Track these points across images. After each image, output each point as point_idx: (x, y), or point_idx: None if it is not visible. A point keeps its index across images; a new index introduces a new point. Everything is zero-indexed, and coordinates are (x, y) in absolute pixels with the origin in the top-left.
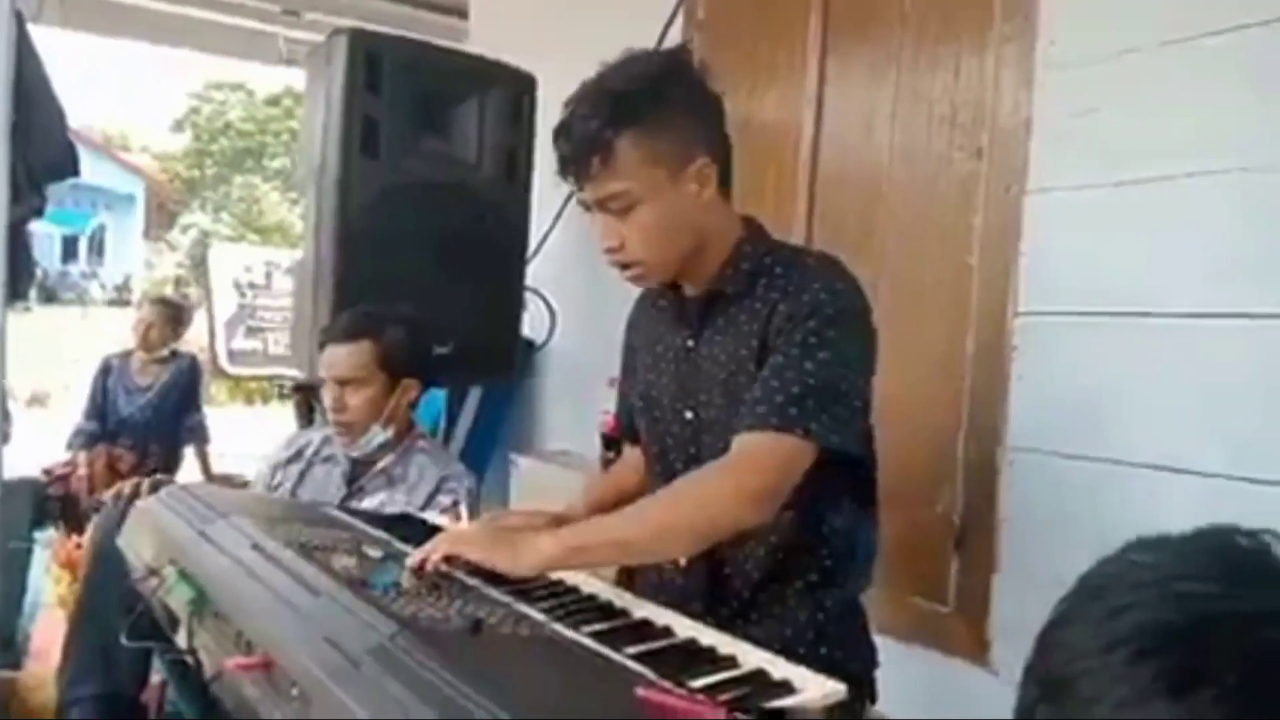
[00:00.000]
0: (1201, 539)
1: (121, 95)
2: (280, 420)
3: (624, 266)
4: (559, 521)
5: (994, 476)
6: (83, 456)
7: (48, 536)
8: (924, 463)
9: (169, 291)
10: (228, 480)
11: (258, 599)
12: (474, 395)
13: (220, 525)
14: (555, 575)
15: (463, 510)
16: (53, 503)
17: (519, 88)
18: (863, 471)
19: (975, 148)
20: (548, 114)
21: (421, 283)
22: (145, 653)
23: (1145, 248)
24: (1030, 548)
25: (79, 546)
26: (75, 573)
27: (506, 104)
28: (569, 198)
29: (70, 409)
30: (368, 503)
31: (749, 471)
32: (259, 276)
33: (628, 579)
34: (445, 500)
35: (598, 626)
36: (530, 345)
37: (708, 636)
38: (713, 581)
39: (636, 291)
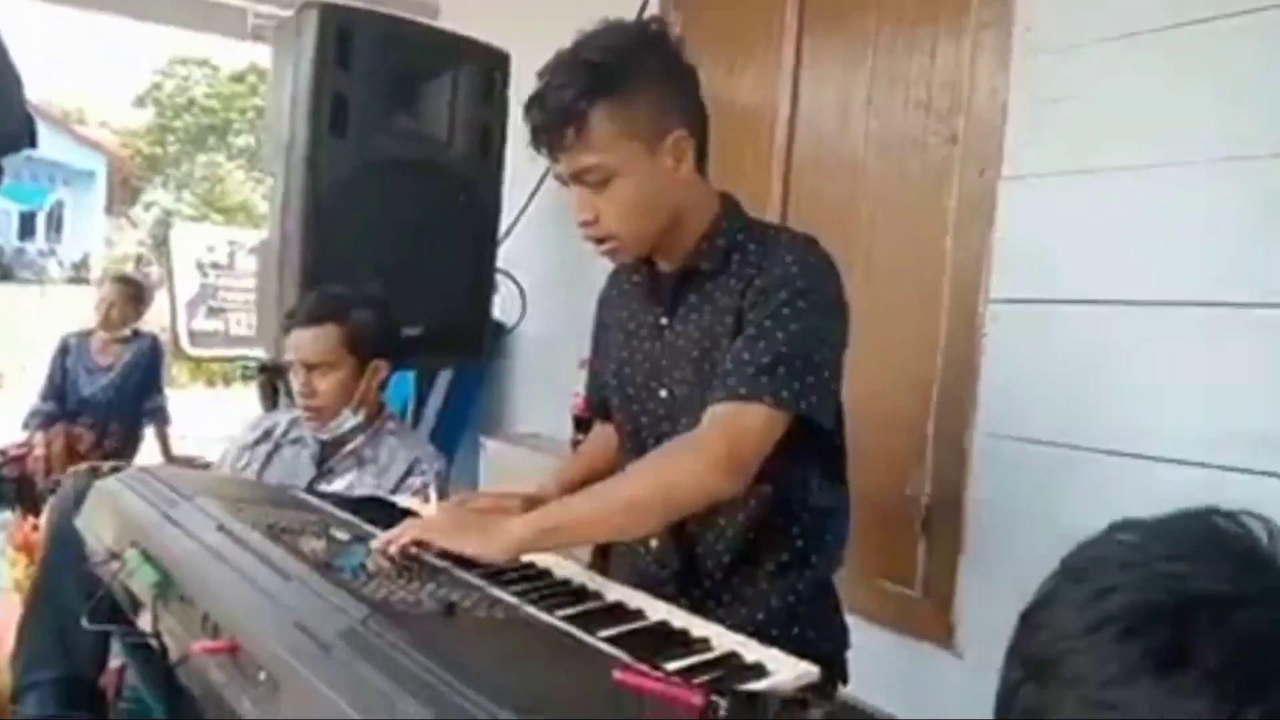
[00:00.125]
0: (1185, 521)
1: (79, 69)
2: (243, 402)
3: (599, 241)
4: (530, 503)
5: (963, 461)
6: (40, 437)
7: (3, 519)
8: (894, 446)
9: (129, 270)
10: (189, 463)
11: (224, 582)
12: (443, 377)
13: (185, 507)
14: (527, 558)
15: (432, 493)
16: (8, 484)
17: (491, 64)
18: (833, 447)
19: (950, 133)
20: (520, 92)
21: (391, 263)
22: (104, 636)
23: (1117, 235)
24: (997, 532)
25: (35, 529)
26: (31, 555)
27: (479, 81)
28: (542, 178)
29: (27, 389)
30: (337, 485)
31: (719, 440)
32: (222, 256)
33: (601, 562)
34: (416, 483)
35: (571, 610)
36: (500, 327)
37: (680, 619)
38: (685, 563)
39: (608, 275)
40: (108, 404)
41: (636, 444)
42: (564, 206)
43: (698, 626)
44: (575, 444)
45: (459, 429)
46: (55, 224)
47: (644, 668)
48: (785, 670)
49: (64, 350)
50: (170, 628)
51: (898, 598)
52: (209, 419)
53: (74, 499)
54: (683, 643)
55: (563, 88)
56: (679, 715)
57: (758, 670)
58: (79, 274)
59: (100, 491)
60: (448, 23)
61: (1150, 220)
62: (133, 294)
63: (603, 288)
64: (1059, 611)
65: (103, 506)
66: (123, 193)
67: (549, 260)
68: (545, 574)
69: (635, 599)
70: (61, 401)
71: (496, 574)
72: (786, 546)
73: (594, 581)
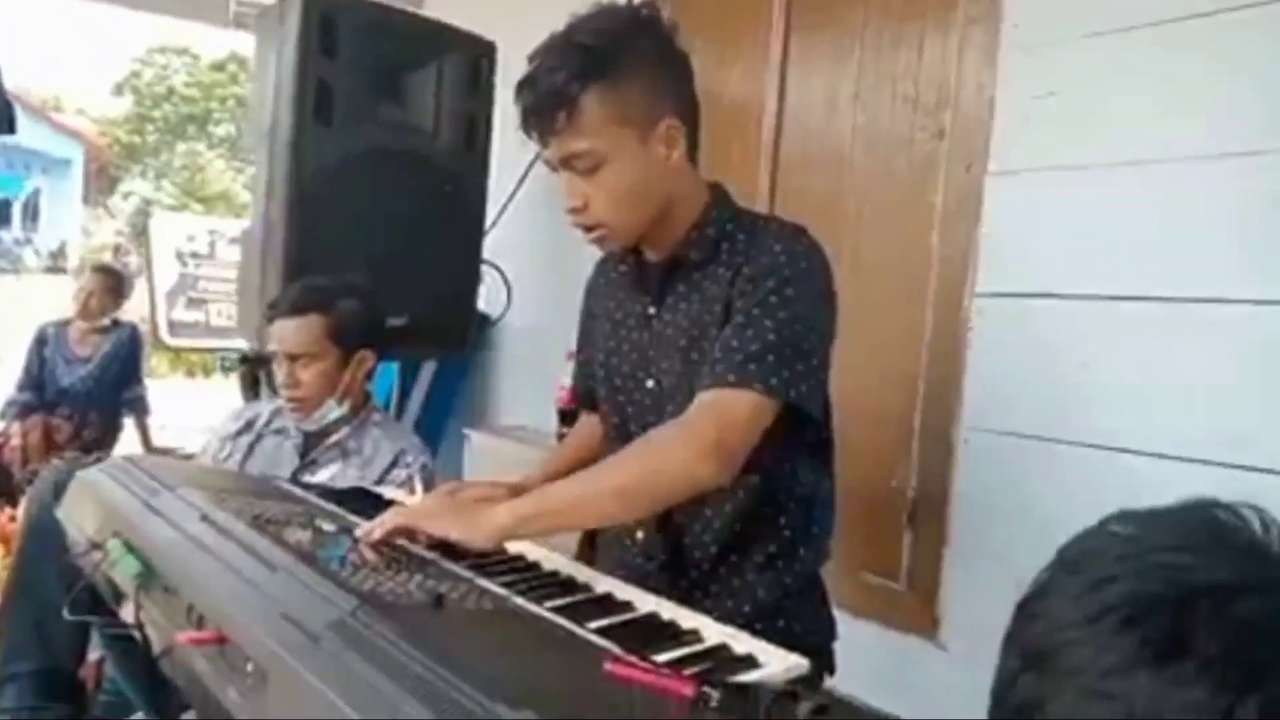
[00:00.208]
0: (1184, 512)
1: (56, 56)
2: (223, 393)
3: (587, 229)
4: (517, 493)
5: (949, 454)
6: (17, 427)
7: None
8: (880, 439)
9: (108, 259)
10: (169, 454)
11: (209, 573)
12: (427, 368)
13: (167, 497)
14: (515, 550)
15: (417, 484)
16: None
17: (478, 54)
18: (820, 439)
19: (938, 128)
20: (507, 81)
21: (375, 253)
22: (83, 628)
23: (1103, 231)
24: (981, 525)
25: (12, 520)
26: (8, 546)
27: (465, 70)
28: (528, 169)
29: (3, 380)
30: (320, 476)
31: (707, 428)
32: (202, 246)
33: (588, 553)
34: (401, 474)
35: (560, 601)
36: (486, 319)
37: (669, 611)
38: (671, 555)
39: (595, 264)
40: (86, 394)
41: (622, 435)
42: (550, 198)
43: (687, 618)
44: (560, 437)
45: (443, 421)
46: (32, 213)
47: (635, 659)
48: (775, 662)
49: (41, 340)
50: (153, 619)
51: (883, 591)
52: (189, 409)
53: (53, 490)
54: (672, 634)
55: (554, 70)
56: (671, 707)
57: (748, 662)
58: (56, 263)
59: (82, 482)
60: (433, 11)
61: (1135, 217)
62: (112, 284)
63: (590, 277)
64: (1056, 602)
65: (84, 497)
66: (100, 181)
67: (534, 252)
68: (534, 565)
69: (624, 590)
70: (39, 392)
71: (484, 565)
72: (774, 538)
73: (582, 573)
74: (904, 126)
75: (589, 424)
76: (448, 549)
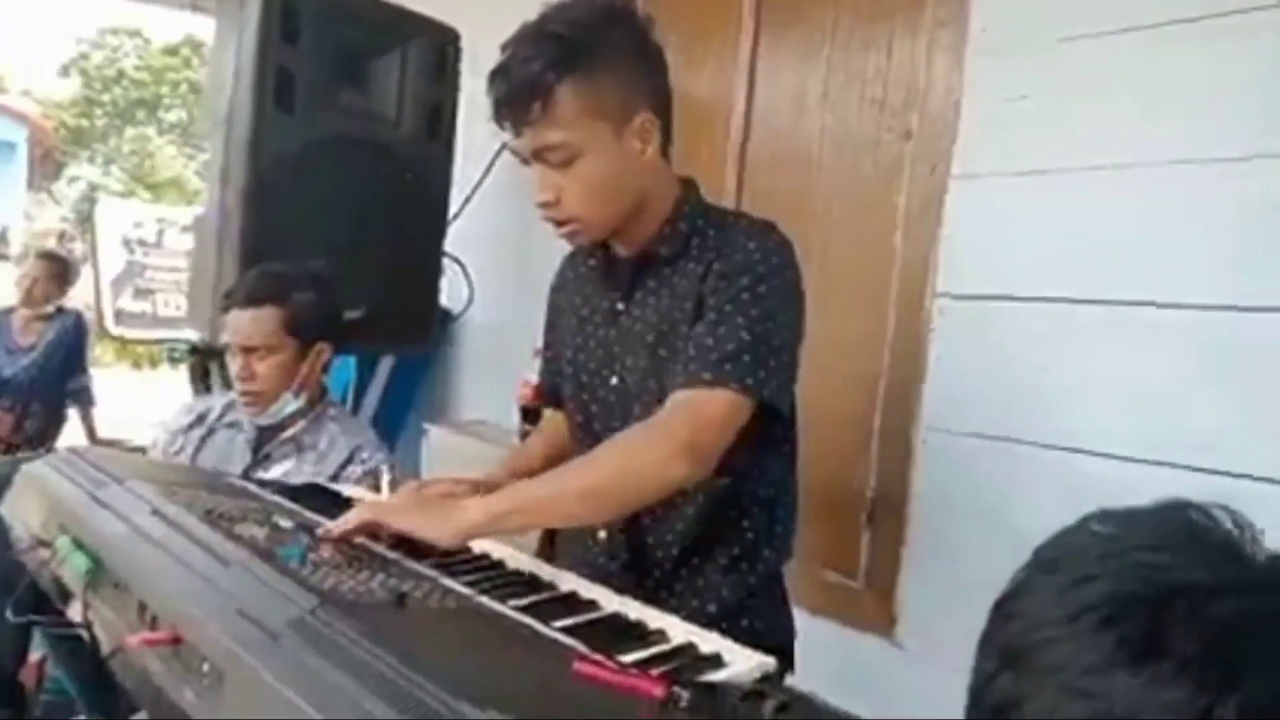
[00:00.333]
0: (1161, 513)
1: (0, 36)
2: (172, 384)
3: (559, 223)
4: (480, 489)
5: (908, 454)
6: None
7: None
8: (841, 439)
9: (52, 245)
10: (115, 446)
11: (162, 569)
12: (385, 363)
13: (116, 490)
14: (479, 548)
15: (384, 482)
16: None
17: (442, 41)
18: (786, 438)
19: (904, 129)
20: (474, 70)
21: (334, 243)
22: (23, 629)
23: (1065, 236)
24: (939, 525)
25: None
26: None
27: (429, 58)
28: (493, 159)
29: None
30: (274, 471)
31: (681, 428)
32: (150, 234)
33: (548, 551)
34: (357, 471)
35: (524, 600)
36: (447, 314)
37: (635, 610)
38: (634, 555)
39: (558, 261)
40: (29, 384)
41: (587, 432)
42: (514, 191)
43: (653, 618)
44: (523, 435)
45: (401, 416)
46: None
47: (602, 659)
48: (742, 661)
49: None
50: (103, 617)
51: (841, 589)
52: (135, 401)
53: None
54: (639, 634)
55: (529, 60)
56: (640, 707)
57: (715, 661)
58: None
59: (27, 476)
60: None
61: (1095, 221)
62: (57, 271)
63: (556, 271)
64: (1034, 601)
65: (29, 491)
66: (45, 166)
67: (498, 245)
68: (498, 564)
69: (589, 590)
70: None
71: (448, 564)
72: (738, 540)
73: (545, 572)
74: (871, 127)
75: (555, 421)
76: (410, 547)
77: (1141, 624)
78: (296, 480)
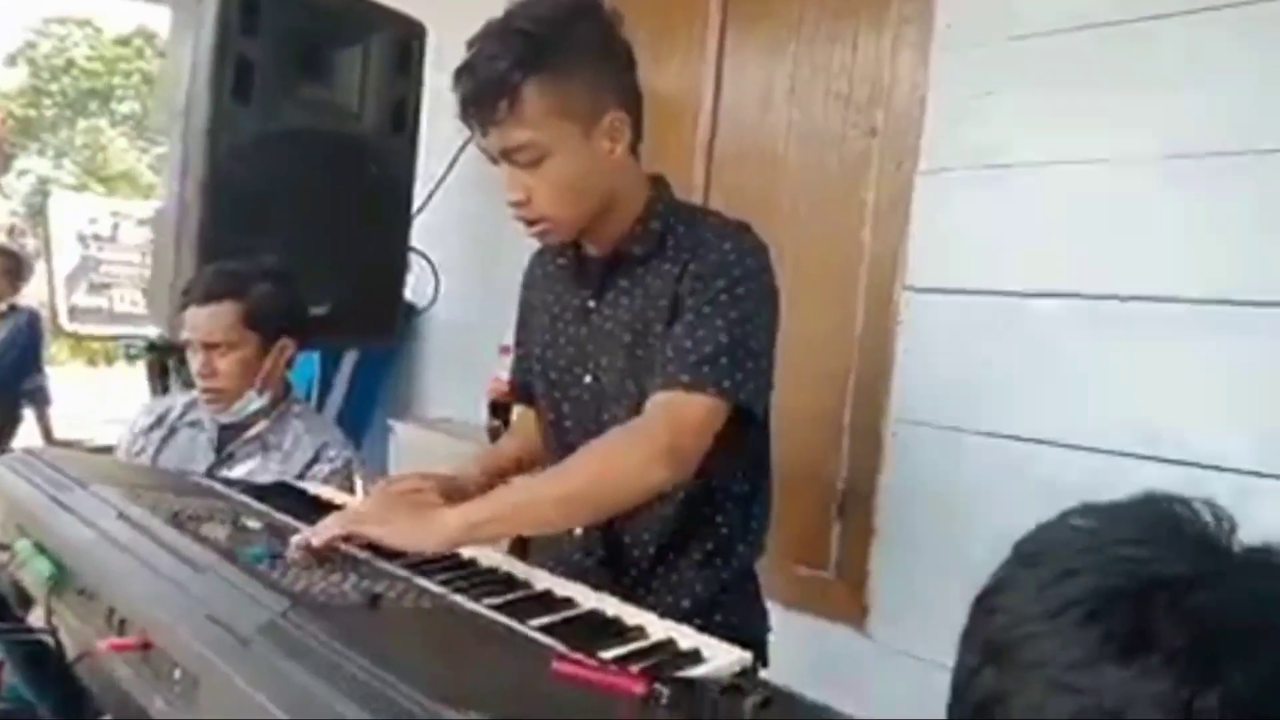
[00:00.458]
0: (1142, 507)
1: None
2: (128, 382)
3: (529, 223)
4: (449, 484)
5: (878, 447)
6: None
7: None
8: (812, 432)
9: (4, 240)
10: (73, 447)
11: (129, 573)
12: (349, 359)
13: (78, 493)
14: None
15: (357, 482)
16: None
17: (407, 34)
18: (761, 436)
19: (870, 125)
20: (440, 64)
21: (296, 237)
22: None
23: (1030, 230)
24: (907, 516)
25: None
26: None
27: (393, 51)
28: (458, 154)
29: None
30: (238, 470)
31: (662, 432)
32: (104, 228)
33: (521, 549)
34: (324, 469)
35: (499, 599)
36: (412, 309)
37: (612, 607)
38: (610, 552)
39: (525, 257)
40: None
41: (560, 432)
42: (481, 185)
43: (630, 615)
44: (492, 431)
45: (367, 412)
46: None
47: (582, 657)
48: (720, 657)
49: None
50: (67, 623)
51: (813, 581)
52: (90, 399)
53: None
54: (616, 631)
55: (495, 58)
56: (622, 704)
57: (693, 657)
58: None
59: None
60: None
61: (1059, 216)
62: (10, 266)
63: (526, 268)
64: (1016, 596)
65: None
66: None
67: (464, 239)
68: (470, 563)
69: (564, 588)
70: None
71: (420, 563)
72: (712, 537)
73: (519, 569)
74: (837, 124)
75: (528, 418)
76: (382, 548)
77: (1127, 618)
78: (262, 479)
